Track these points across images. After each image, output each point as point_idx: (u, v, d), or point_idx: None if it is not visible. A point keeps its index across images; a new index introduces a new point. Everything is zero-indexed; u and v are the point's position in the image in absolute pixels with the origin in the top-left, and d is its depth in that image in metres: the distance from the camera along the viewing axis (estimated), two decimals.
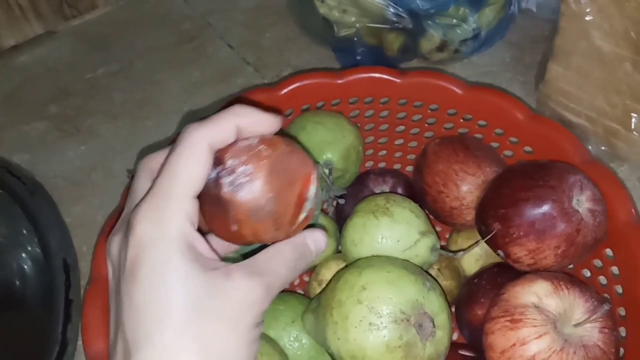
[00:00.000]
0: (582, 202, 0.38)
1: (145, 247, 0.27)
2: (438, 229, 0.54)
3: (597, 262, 0.41)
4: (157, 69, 0.75)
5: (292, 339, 0.43)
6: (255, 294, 0.27)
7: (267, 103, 0.50)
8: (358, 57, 0.67)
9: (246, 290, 0.27)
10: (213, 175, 0.28)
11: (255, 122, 0.29)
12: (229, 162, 0.28)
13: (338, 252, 0.49)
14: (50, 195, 0.62)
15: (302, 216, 0.30)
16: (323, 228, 0.33)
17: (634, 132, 0.54)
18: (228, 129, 0.29)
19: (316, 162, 0.31)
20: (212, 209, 0.29)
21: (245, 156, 0.28)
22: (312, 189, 0.30)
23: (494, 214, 0.40)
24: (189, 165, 0.27)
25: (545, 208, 0.38)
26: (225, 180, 0.28)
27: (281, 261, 0.29)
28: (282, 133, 0.32)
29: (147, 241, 0.27)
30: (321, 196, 0.45)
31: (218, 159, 0.29)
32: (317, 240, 0.32)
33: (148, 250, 0.27)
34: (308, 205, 0.30)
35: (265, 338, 0.40)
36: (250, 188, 0.28)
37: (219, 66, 0.75)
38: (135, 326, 0.26)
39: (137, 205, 0.28)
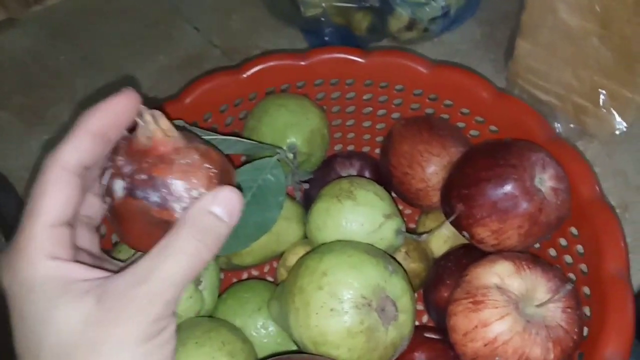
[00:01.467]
0: (545, 181, 0.38)
1: (9, 297, 0.26)
2: (408, 211, 0.54)
3: (563, 241, 0.41)
4: (122, 55, 0.73)
5: (258, 326, 0.42)
6: (134, 309, 0.24)
7: (230, 87, 0.49)
8: (326, 38, 0.66)
9: (122, 310, 0.24)
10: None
11: (111, 116, 0.28)
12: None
13: (306, 238, 0.49)
14: (15, 189, 0.60)
15: None
16: (238, 187, 0.29)
17: (602, 108, 0.54)
18: (81, 142, 0.27)
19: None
20: None
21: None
22: None
23: (457, 195, 0.40)
24: (43, 195, 0.26)
25: (507, 187, 0.37)
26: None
27: (169, 258, 0.26)
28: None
29: (9, 290, 0.26)
30: (286, 181, 0.44)
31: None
32: (227, 203, 0.27)
33: (11, 300, 0.26)
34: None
35: (228, 326, 0.39)
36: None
37: (186, 51, 0.73)
38: None
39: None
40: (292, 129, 0.47)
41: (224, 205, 0.27)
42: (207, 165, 0.28)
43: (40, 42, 0.76)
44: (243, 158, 0.52)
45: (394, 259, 0.39)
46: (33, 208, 0.26)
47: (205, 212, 0.27)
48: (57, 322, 0.25)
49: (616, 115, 0.54)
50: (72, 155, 0.27)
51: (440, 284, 0.42)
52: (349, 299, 0.34)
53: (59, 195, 0.26)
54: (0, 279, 0.26)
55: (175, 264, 0.25)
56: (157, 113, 0.28)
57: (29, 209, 0.26)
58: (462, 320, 0.35)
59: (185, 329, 0.37)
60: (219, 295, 0.45)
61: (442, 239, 0.47)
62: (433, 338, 0.39)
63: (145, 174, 0.27)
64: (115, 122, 0.28)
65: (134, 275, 0.25)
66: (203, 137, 0.42)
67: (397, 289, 0.36)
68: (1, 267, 0.26)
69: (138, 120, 0.28)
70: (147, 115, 0.28)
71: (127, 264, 0.28)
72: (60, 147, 0.27)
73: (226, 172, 0.30)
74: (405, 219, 0.44)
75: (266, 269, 0.53)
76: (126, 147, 0.29)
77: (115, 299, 0.25)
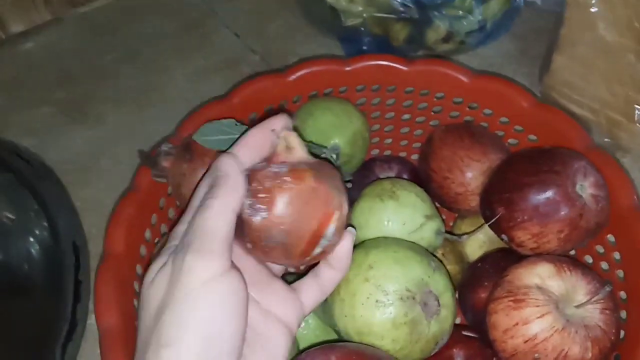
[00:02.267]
0: (586, 188, 0.39)
1: (196, 284, 0.28)
2: (442, 216, 0.55)
3: (599, 248, 0.42)
4: (162, 56, 0.76)
5: None
6: (288, 337, 0.31)
7: (275, 89, 0.51)
8: (364, 47, 0.67)
9: (279, 334, 0.31)
10: None
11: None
12: (254, 185, 0.30)
13: None
14: (59, 179, 0.63)
15: (315, 251, 0.31)
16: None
17: (637, 123, 0.55)
18: (252, 152, 0.32)
19: (339, 198, 0.32)
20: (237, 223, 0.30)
21: (270, 183, 0.29)
22: (331, 228, 0.30)
23: (498, 198, 0.41)
24: (230, 195, 0.29)
25: (549, 193, 0.38)
26: (246, 202, 0.30)
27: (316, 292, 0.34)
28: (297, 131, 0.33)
29: (199, 280, 0.28)
30: None
31: (248, 178, 0.30)
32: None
33: (199, 289, 0.28)
34: (324, 242, 0.30)
35: None
36: (263, 215, 0.29)
37: (224, 54, 0.76)
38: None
39: (184, 244, 0.29)
40: (336, 130, 0.48)
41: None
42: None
43: (84, 40, 0.79)
44: None
45: (436, 257, 0.41)
46: (216, 213, 0.29)
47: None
48: (218, 326, 0.28)
49: None
50: (246, 159, 0.31)
51: (478, 285, 0.43)
52: (394, 291, 0.35)
53: (239, 195, 0.30)
54: (184, 267, 0.28)
55: (320, 296, 0.34)
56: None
57: (210, 210, 0.29)
58: (502, 318, 0.36)
59: None
60: None
61: (478, 243, 0.48)
62: (471, 336, 0.41)
63: None
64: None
65: (186, 241, 0.29)
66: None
67: (440, 284, 0.37)
68: (188, 258, 0.28)
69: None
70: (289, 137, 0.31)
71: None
72: (239, 152, 0.32)
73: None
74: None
75: (303, 266, 0.54)
76: None
77: (182, 261, 0.28)
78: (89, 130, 0.69)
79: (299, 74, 0.50)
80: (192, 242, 0.28)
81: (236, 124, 0.44)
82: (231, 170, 0.30)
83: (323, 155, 0.44)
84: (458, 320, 0.48)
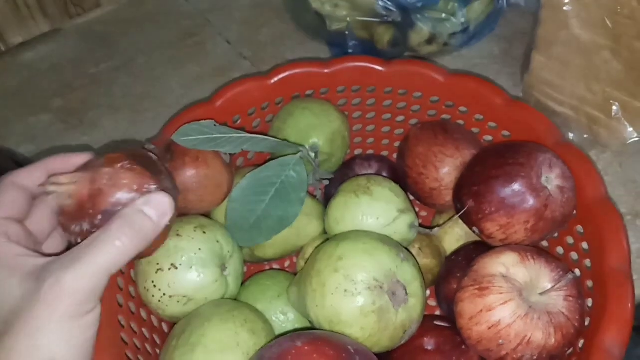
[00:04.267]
0: (551, 179, 0.40)
1: None
2: (424, 213, 0.56)
3: (570, 239, 0.43)
4: (157, 64, 0.78)
5: (278, 312, 0.45)
6: (62, 288, 0.28)
7: (258, 92, 0.52)
8: (350, 51, 0.69)
9: (51, 287, 0.28)
10: None
11: (65, 164, 0.36)
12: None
13: (325, 233, 0.51)
14: None
15: None
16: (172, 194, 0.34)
17: (614, 119, 0.56)
18: (36, 171, 0.35)
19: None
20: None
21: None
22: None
23: (468, 192, 0.42)
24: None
25: (515, 185, 0.39)
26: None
27: (100, 244, 0.30)
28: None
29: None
30: (308, 179, 0.47)
31: None
32: (157, 204, 0.32)
33: None
34: None
35: (250, 308, 0.42)
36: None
37: (217, 61, 0.77)
38: None
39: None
40: (315, 129, 0.50)
41: (154, 206, 0.32)
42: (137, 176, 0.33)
43: (81, 50, 0.81)
44: (268, 159, 0.55)
45: (409, 250, 0.42)
46: None
47: (136, 212, 0.32)
48: (2, 296, 0.29)
49: (628, 126, 0.56)
50: (23, 177, 0.35)
51: (450, 277, 0.44)
52: (362, 281, 0.37)
53: (7, 198, 0.34)
54: None
55: (102, 254, 0.30)
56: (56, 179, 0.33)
57: None
58: (468, 306, 0.37)
59: (211, 307, 0.40)
60: (242, 284, 0.47)
61: (455, 237, 0.49)
62: (442, 325, 0.41)
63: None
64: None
65: (65, 259, 0.30)
66: (233, 135, 0.45)
67: (408, 274, 0.38)
68: None
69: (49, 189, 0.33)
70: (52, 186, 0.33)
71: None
72: (16, 171, 0.35)
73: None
74: (420, 220, 0.47)
75: (287, 263, 0.55)
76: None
77: (49, 280, 0.28)
78: (84, 136, 0.71)
79: (280, 76, 0.52)
80: None
81: (215, 125, 0.46)
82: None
83: (300, 154, 0.46)
84: (438, 314, 0.50)
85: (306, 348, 0.32)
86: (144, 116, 0.73)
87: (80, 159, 0.36)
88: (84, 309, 0.29)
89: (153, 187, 0.33)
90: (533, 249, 0.39)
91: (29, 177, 0.35)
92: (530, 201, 0.39)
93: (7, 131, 0.72)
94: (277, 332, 0.44)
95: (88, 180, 0.32)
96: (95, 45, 0.81)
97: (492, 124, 0.49)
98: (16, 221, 0.34)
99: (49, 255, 0.32)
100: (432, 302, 0.50)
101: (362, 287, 0.36)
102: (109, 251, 0.30)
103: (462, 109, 0.51)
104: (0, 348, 0.28)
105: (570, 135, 0.59)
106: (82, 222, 0.32)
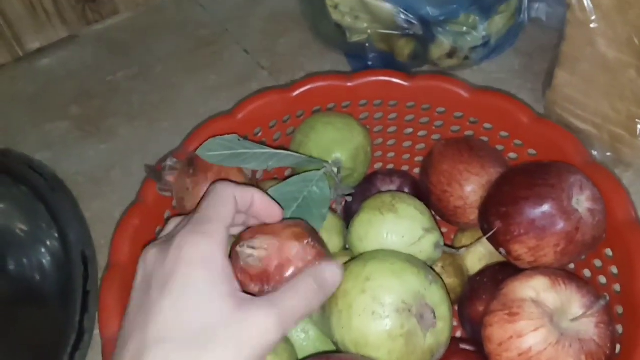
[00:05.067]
0: (582, 202, 0.39)
1: (182, 263, 0.31)
2: (444, 229, 0.56)
3: (597, 262, 0.42)
4: (175, 73, 0.78)
5: (299, 330, 0.44)
6: (267, 323, 0.31)
7: (279, 104, 0.52)
8: (369, 63, 0.69)
9: (258, 318, 0.31)
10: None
11: (266, 206, 0.38)
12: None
13: (345, 249, 0.51)
14: (71, 191, 0.64)
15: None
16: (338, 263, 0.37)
17: (639, 138, 0.55)
18: (247, 196, 0.36)
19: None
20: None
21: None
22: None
23: (495, 212, 0.41)
24: (224, 204, 0.35)
25: (545, 206, 0.39)
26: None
27: (296, 294, 0.33)
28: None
29: (186, 258, 0.31)
30: (331, 196, 0.47)
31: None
32: (333, 271, 0.36)
33: (184, 266, 0.31)
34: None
35: None
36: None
37: (234, 71, 0.77)
38: (156, 331, 0.30)
39: (181, 227, 0.33)
40: (338, 145, 0.49)
41: (333, 274, 0.36)
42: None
43: (99, 57, 0.81)
44: (288, 172, 0.55)
45: (434, 270, 0.41)
46: (217, 209, 0.34)
47: (321, 272, 0.35)
48: (211, 305, 0.30)
49: None
50: (238, 194, 0.36)
51: (476, 298, 0.44)
52: (390, 303, 0.36)
53: (230, 209, 0.35)
54: (179, 243, 0.32)
55: (301, 302, 0.33)
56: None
57: (212, 208, 0.34)
58: (497, 331, 0.36)
59: None
60: None
61: (478, 256, 0.49)
62: (468, 349, 0.41)
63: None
64: (260, 211, 0.38)
65: (269, 299, 0.32)
66: (258, 150, 0.45)
67: (436, 297, 0.38)
68: (186, 236, 0.32)
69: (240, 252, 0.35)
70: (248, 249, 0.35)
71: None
72: (232, 185, 0.36)
73: None
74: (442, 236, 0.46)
75: None
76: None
77: (254, 311, 0.31)
78: (101, 144, 0.71)
79: (302, 89, 0.52)
80: (186, 226, 0.32)
81: (239, 140, 0.45)
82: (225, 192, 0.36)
83: (324, 170, 0.46)
84: (459, 334, 0.49)
85: None
86: (161, 125, 0.72)
87: (278, 212, 0.38)
88: (267, 352, 0.31)
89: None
90: (564, 273, 0.38)
91: (242, 197, 0.36)
92: (561, 224, 0.38)
93: (24, 137, 0.72)
94: (297, 349, 0.44)
95: (277, 249, 0.35)
96: (112, 52, 0.81)
97: (517, 142, 0.49)
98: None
99: None
100: (454, 322, 0.49)
101: (390, 310, 0.36)
102: (303, 305, 0.33)
103: (487, 125, 0.50)
104: (197, 354, 0.29)
105: (593, 153, 0.59)
106: (264, 284, 0.35)
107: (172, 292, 0.30)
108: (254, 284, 0.35)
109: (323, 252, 0.37)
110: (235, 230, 0.39)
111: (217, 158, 0.43)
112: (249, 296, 0.32)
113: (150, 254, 0.33)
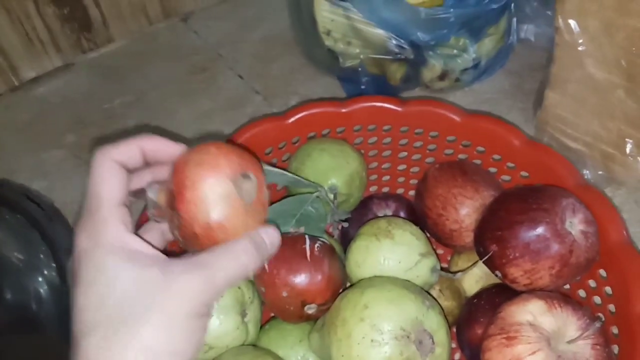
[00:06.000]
0: (575, 224, 0.40)
1: (82, 255, 0.31)
2: (440, 251, 0.56)
3: (592, 283, 0.43)
4: (170, 99, 0.79)
5: (299, 358, 0.44)
6: (193, 286, 0.30)
7: (275, 131, 0.52)
8: (362, 87, 0.69)
9: (183, 283, 0.30)
10: None
11: (158, 146, 0.35)
12: None
13: None
14: (67, 220, 0.64)
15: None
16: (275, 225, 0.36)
17: (629, 156, 0.56)
18: (132, 149, 0.34)
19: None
20: None
21: None
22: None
23: (491, 236, 0.42)
24: (105, 180, 0.32)
25: (539, 230, 0.39)
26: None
27: (229, 254, 0.32)
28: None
29: (83, 251, 0.31)
30: (327, 220, 0.47)
31: None
32: (270, 235, 0.35)
33: (85, 258, 0.30)
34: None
35: (272, 355, 0.42)
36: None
37: (229, 95, 0.78)
38: (76, 326, 0.30)
39: (76, 222, 0.32)
40: (334, 171, 0.50)
41: (271, 237, 0.35)
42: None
43: (94, 85, 0.82)
44: (279, 188, 0.55)
45: (431, 295, 0.42)
46: (99, 191, 0.32)
47: (259, 237, 0.34)
48: (123, 282, 0.29)
49: None
50: (121, 155, 0.33)
51: (473, 321, 0.44)
52: (389, 330, 0.36)
53: (115, 181, 0.32)
54: (76, 242, 0.31)
55: (233, 261, 0.32)
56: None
57: (94, 191, 0.32)
58: (496, 355, 0.37)
59: (233, 356, 0.40)
60: (261, 327, 0.47)
61: (475, 278, 0.49)
62: None
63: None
64: (156, 153, 0.35)
65: (197, 260, 0.31)
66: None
67: (434, 323, 0.38)
68: (78, 231, 0.31)
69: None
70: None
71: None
72: (111, 147, 0.33)
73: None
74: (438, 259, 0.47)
75: None
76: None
77: (177, 275, 0.30)
78: None
79: (297, 116, 0.52)
80: (79, 221, 0.32)
81: None
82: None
83: (317, 194, 0.46)
84: (457, 356, 0.49)
85: None
86: None
87: (173, 149, 0.35)
88: (205, 311, 0.31)
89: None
90: (559, 296, 0.38)
91: (126, 154, 0.33)
92: (555, 247, 0.39)
93: (19, 166, 0.73)
94: None
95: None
96: (107, 80, 0.82)
97: (510, 164, 0.49)
98: (127, 207, 0.33)
99: None
100: (452, 344, 0.49)
101: (389, 337, 0.36)
102: (235, 265, 0.32)
103: (480, 148, 0.51)
104: (125, 334, 0.28)
105: (585, 172, 0.60)
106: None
107: (80, 286, 0.30)
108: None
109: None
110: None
111: None
112: (172, 261, 0.31)
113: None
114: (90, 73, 0.83)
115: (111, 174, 0.32)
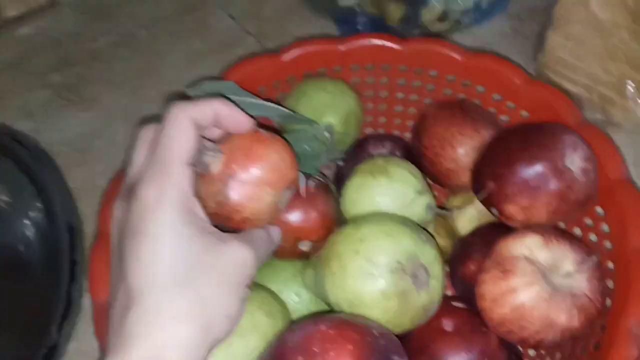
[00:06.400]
0: (575, 161, 0.39)
1: (148, 208, 0.30)
2: (435, 193, 0.56)
3: (588, 220, 0.43)
4: (158, 39, 0.76)
5: (292, 293, 0.44)
6: (246, 258, 0.32)
7: (269, 69, 0.51)
8: (359, 27, 0.67)
9: (239, 254, 0.32)
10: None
11: (231, 115, 0.34)
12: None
13: None
14: (54, 162, 0.63)
15: None
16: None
17: (629, 100, 0.55)
18: (207, 112, 0.33)
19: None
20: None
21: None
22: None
23: (489, 173, 0.41)
24: (180, 137, 0.32)
25: (538, 166, 0.39)
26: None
27: (261, 240, 0.35)
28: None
29: (151, 203, 0.30)
30: (322, 158, 0.46)
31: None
32: (275, 230, 0.39)
33: (151, 211, 0.30)
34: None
35: (267, 290, 0.41)
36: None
37: (220, 37, 0.76)
38: (138, 279, 0.29)
39: (139, 171, 0.32)
40: (330, 109, 0.48)
41: (275, 230, 0.39)
42: None
43: (80, 24, 0.79)
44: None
45: (426, 230, 0.41)
46: (172, 146, 0.31)
47: (268, 228, 0.38)
48: (190, 242, 0.30)
49: None
50: (197, 116, 0.32)
51: (467, 258, 0.44)
52: (384, 263, 0.36)
53: (189, 138, 0.32)
54: (139, 189, 0.31)
55: (267, 245, 0.36)
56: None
57: (167, 145, 0.31)
58: (491, 288, 0.37)
59: None
60: None
61: (468, 217, 0.49)
62: (460, 307, 0.41)
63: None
64: (228, 122, 0.35)
65: (244, 237, 0.33)
66: (248, 99, 0.43)
67: (429, 256, 0.38)
68: (145, 179, 0.31)
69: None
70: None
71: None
72: (190, 105, 0.32)
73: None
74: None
75: None
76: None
77: (232, 246, 0.32)
78: (84, 112, 0.70)
79: (292, 54, 0.50)
80: (145, 171, 0.31)
81: (236, 87, 0.44)
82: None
83: (313, 133, 0.45)
84: (449, 293, 0.49)
85: (331, 332, 0.32)
86: (144, 92, 0.71)
87: (244, 123, 0.35)
88: (249, 284, 0.33)
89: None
90: (556, 230, 0.38)
91: (203, 114, 0.33)
92: (554, 183, 0.38)
93: (4, 107, 0.70)
94: (291, 312, 0.43)
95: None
96: (93, 19, 0.79)
97: (510, 104, 0.48)
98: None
99: None
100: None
101: (384, 270, 0.36)
102: (269, 248, 0.37)
103: (480, 88, 0.50)
104: (190, 292, 0.29)
105: None
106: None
107: (145, 239, 0.30)
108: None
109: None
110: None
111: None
112: (223, 233, 0.32)
113: (117, 209, 0.33)
114: (76, 11, 0.80)
115: (186, 131, 0.32)
